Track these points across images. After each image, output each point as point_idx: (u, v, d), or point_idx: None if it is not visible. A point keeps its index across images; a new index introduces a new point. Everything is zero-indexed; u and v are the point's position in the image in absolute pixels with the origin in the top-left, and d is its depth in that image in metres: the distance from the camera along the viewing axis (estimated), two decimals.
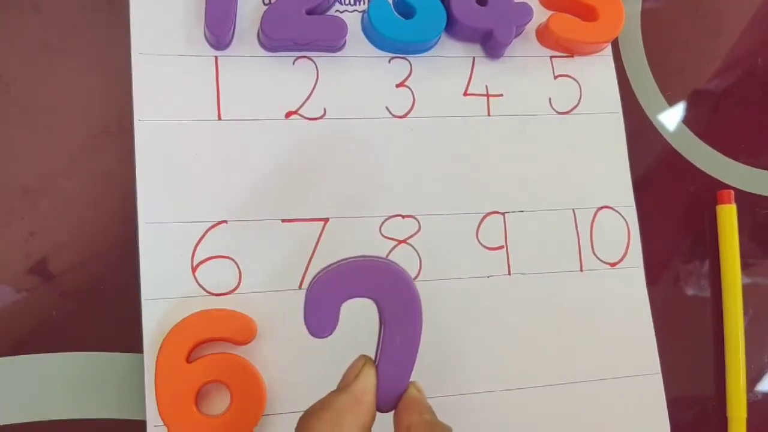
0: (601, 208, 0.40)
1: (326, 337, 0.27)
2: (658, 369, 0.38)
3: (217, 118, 0.36)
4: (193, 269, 0.34)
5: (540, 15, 0.40)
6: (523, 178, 0.39)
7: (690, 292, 0.41)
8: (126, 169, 0.34)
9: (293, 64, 0.37)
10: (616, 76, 0.42)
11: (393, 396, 0.28)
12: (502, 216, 0.38)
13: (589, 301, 0.38)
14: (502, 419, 0.36)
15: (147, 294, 0.33)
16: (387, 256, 0.36)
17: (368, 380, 0.27)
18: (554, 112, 0.40)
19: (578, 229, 0.39)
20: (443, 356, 0.36)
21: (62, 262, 0.33)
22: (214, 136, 0.35)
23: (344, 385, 0.27)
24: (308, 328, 0.27)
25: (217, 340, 0.32)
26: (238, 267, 0.34)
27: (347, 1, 0.38)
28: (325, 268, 0.28)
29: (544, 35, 0.41)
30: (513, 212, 0.38)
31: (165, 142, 0.34)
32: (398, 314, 0.28)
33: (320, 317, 0.27)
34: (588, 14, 0.40)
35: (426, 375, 0.35)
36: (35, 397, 0.32)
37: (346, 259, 0.28)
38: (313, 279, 0.28)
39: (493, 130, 0.39)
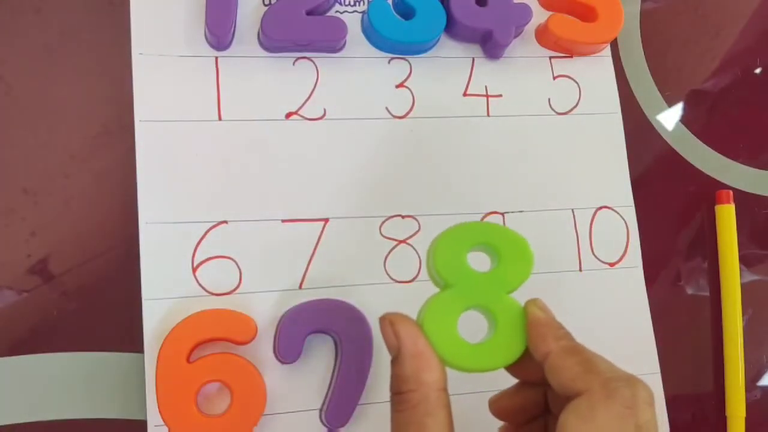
0: (600, 208, 0.40)
1: (291, 362, 0.33)
2: (658, 368, 0.38)
3: (217, 119, 0.36)
4: (194, 269, 0.34)
5: (539, 16, 0.40)
6: (523, 179, 0.39)
7: (689, 291, 0.41)
8: (126, 170, 0.34)
9: (293, 64, 0.37)
10: (615, 77, 0.42)
11: (344, 414, 0.32)
12: (501, 216, 0.38)
13: (589, 301, 0.38)
14: None
15: (147, 294, 0.33)
16: (387, 256, 0.36)
17: (411, 337, 0.25)
18: (553, 113, 0.40)
19: (577, 229, 0.39)
20: None
21: (63, 262, 0.33)
22: (214, 137, 0.35)
23: (395, 354, 0.25)
24: (278, 355, 0.33)
25: (217, 340, 0.32)
26: (238, 267, 0.34)
27: (347, 2, 0.38)
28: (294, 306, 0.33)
29: (543, 36, 0.41)
30: (512, 212, 0.38)
31: (165, 143, 0.35)
32: (353, 348, 0.33)
33: (288, 346, 0.33)
34: (587, 15, 0.41)
35: None
36: (35, 397, 0.32)
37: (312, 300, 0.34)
38: (283, 315, 0.33)
39: (492, 131, 0.39)
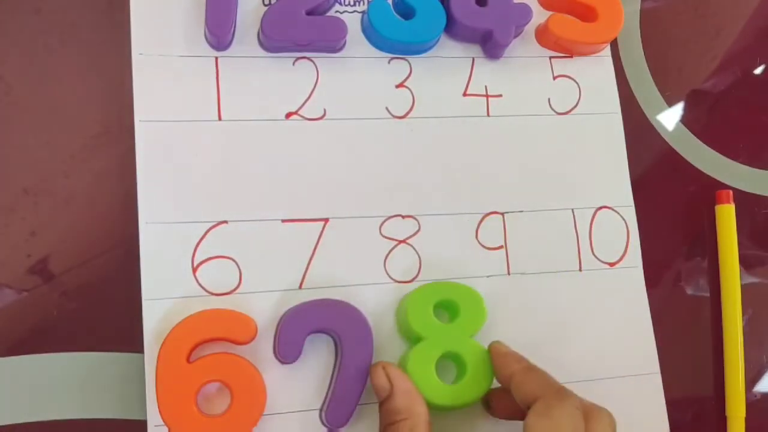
0: (600, 208, 0.40)
1: (291, 362, 0.33)
2: (657, 369, 0.38)
3: (217, 119, 0.36)
4: (194, 269, 0.34)
5: (539, 15, 0.40)
6: (523, 179, 0.39)
7: (689, 291, 0.41)
8: (126, 170, 0.34)
9: (293, 64, 0.37)
10: (615, 77, 0.42)
11: (344, 414, 0.33)
12: (501, 216, 0.38)
13: (588, 301, 0.38)
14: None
15: (147, 294, 0.33)
16: (387, 256, 0.36)
17: (402, 379, 0.31)
18: (553, 113, 0.40)
19: (577, 229, 0.39)
20: None
21: (63, 262, 0.33)
22: (214, 137, 0.35)
23: (385, 396, 0.31)
24: (278, 355, 0.33)
25: (217, 340, 0.32)
26: (238, 267, 0.34)
27: (347, 2, 0.38)
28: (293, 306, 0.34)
29: (543, 36, 0.41)
30: (512, 212, 0.38)
31: (165, 143, 0.35)
32: (353, 348, 0.33)
33: (288, 346, 0.33)
34: (587, 15, 0.41)
35: None
36: (35, 397, 0.32)
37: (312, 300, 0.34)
38: (283, 315, 0.33)
39: (492, 131, 0.39)
